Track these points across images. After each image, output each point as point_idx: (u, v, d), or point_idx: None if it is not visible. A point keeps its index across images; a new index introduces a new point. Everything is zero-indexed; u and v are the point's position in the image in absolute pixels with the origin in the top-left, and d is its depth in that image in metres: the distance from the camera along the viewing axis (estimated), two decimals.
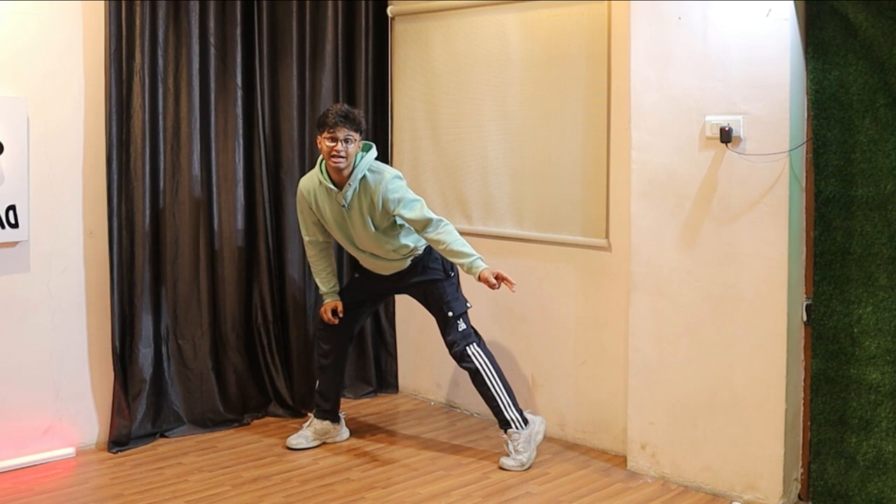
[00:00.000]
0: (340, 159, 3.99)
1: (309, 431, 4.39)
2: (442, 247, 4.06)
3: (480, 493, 3.90)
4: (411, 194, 4.12)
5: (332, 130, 3.99)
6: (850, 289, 3.60)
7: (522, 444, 4.18)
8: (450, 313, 4.24)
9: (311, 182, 4.20)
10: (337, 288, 4.40)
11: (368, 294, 4.44)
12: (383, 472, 4.13)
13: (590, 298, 4.42)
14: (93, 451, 4.31)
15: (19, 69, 4.05)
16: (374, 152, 4.16)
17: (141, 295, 4.38)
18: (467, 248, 4.05)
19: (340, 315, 4.35)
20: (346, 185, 4.06)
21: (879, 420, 3.54)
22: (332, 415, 4.44)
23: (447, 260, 4.21)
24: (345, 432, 4.51)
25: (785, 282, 3.65)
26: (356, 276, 4.47)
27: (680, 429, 3.97)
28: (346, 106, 4.09)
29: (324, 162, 4.12)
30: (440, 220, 4.08)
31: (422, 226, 4.06)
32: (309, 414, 4.54)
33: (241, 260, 4.74)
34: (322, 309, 4.38)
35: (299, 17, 4.89)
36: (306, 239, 4.36)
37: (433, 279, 4.27)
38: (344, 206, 4.10)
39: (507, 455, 4.19)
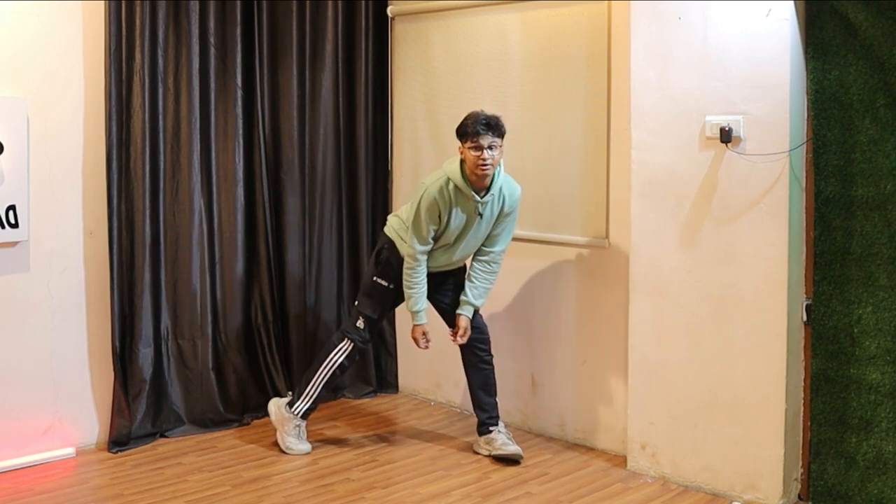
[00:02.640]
0: (488, 166, 3.99)
1: (304, 436, 4.38)
2: (483, 273, 4.24)
3: (480, 493, 3.90)
4: (517, 215, 4.25)
5: (475, 139, 3.97)
6: (850, 289, 3.60)
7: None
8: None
9: (447, 187, 4.08)
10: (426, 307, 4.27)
11: (394, 300, 4.40)
12: (383, 472, 4.13)
13: (590, 298, 4.42)
14: (93, 451, 4.31)
15: (19, 69, 4.05)
16: (502, 164, 4.20)
17: (141, 295, 4.38)
18: (484, 298, 4.27)
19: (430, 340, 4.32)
20: (489, 193, 4.08)
21: (879, 420, 3.54)
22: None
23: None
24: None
25: (785, 282, 3.65)
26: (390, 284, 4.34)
27: (680, 429, 3.97)
28: (486, 112, 4.07)
29: (462, 169, 4.06)
30: (500, 263, 4.27)
31: (497, 245, 4.22)
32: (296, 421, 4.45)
33: (241, 260, 4.74)
34: (416, 334, 4.22)
35: (299, 17, 4.89)
36: (420, 249, 4.14)
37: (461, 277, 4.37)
38: (480, 213, 4.12)
39: (505, 444, 4.24)
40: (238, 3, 4.63)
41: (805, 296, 3.75)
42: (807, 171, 3.70)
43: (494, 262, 4.25)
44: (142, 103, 4.32)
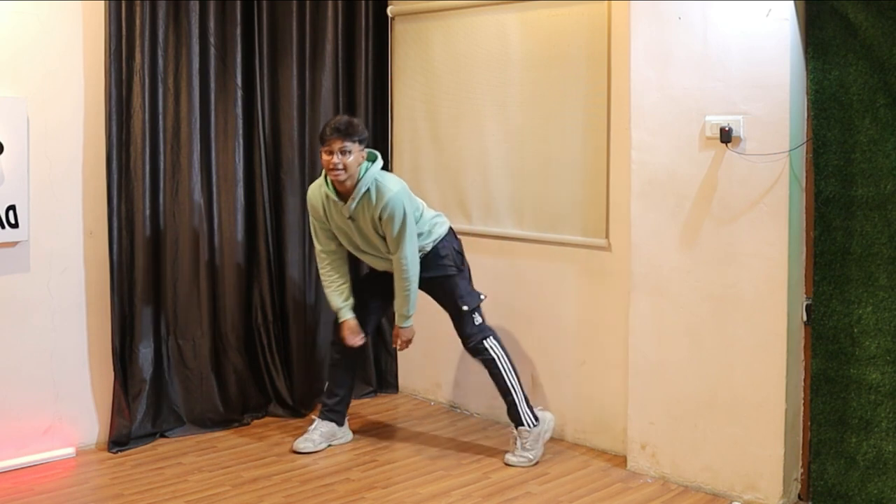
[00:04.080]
0: (339, 172, 3.97)
1: (315, 434, 4.38)
2: (396, 281, 4.17)
3: (480, 493, 3.90)
4: (402, 219, 4.04)
5: (327, 144, 3.98)
6: (850, 289, 3.60)
7: (531, 442, 4.22)
8: (465, 307, 4.25)
9: (319, 191, 4.17)
10: (351, 302, 4.27)
11: (378, 292, 4.39)
12: (383, 472, 4.13)
13: (590, 298, 4.42)
14: (93, 451, 4.31)
15: (19, 69, 4.05)
16: (379, 162, 4.12)
17: (141, 295, 4.38)
18: (410, 305, 4.18)
19: (362, 334, 4.31)
20: (350, 197, 4.04)
21: (879, 420, 3.54)
22: (338, 416, 4.43)
23: (458, 254, 4.31)
24: (349, 434, 4.51)
25: (785, 282, 3.65)
26: (364, 273, 4.41)
27: (680, 429, 3.97)
28: (345, 117, 4.07)
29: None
30: (406, 270, 4.11)
31: (396, 251, 4.10)
32: (312, 416, 4.52)
33: (241, 260, 4.74)
34: (341, 332, 4.28)
35: (299, 17, 4.89)
36: (318, 248, 4.27)
37: (446, 275, 4.27)
38: (349, 217, 4.09)
39: (513, 451, 4.21)
40: (238, 3, 4.63)
41: (805, 296, 3.75)
42: (807, 171, 3.70)
43: (399, 269, 4.13)
44: (142, 103, 4.32)
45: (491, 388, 4.34)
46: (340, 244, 4.27)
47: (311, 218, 4.27)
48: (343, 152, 3.95)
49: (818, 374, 3.69)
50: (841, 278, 3.62)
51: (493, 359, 4.24)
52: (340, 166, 3.96)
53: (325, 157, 3.99)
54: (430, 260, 4.24)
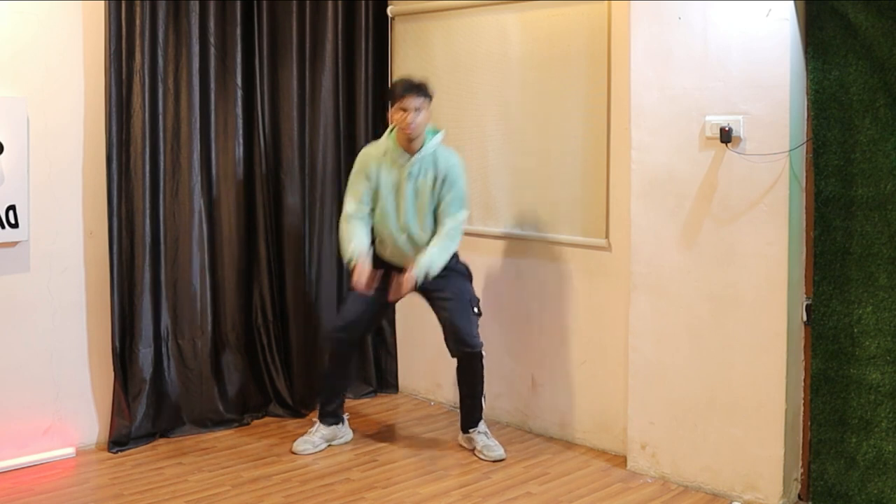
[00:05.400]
0: (414, 127, 4.09)
1: (316, 436, 4.38)
2: (436, 239, 4.18)
3: (480, 493, 3.90)
4: (462, 183, 4.23)
5: (401, 101, 4.10)
6: (850, 289, 3.60)
7: (488, 434, 4.37)
8: (475, 309, 4.31)
9: (377, 150, 4.26)
10: (371, 249, 4.24)
11: (376, 298, 4.32)
12: (383, 472, 4.13)
13: (590, 298, 4.41)
14: (93, 451, 4.31)
15: (19, 69, 4.05)
16: (442, 133, 4.27)
17: (141, 295, 4.38)
18: (443, 262, 4.16)
19: (374, 285, 4.21)
20: (417, 155, 4.15)
21: (879, 420, 3.54)
22: (337, 417, 4.44)
23: (466, 265, 4.39)
24: (349, 433, 4.51)
25: (785, 282, 3.65)
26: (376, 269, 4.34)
27: (680, 429, 3.97)
28: (413, 77, 4.23)
29: (394, 133, 4.19)
30: (458, 230, 4.20)
31: (447, 219, 4.18)
32: (313, 418, 4.53)
33: (241, 260, 4.74)
34: (356, 275, 4.13)
35: (299, 17, 4.89)
36: (351, 209, 4.24)
37: (459, 273, 4.32)
38: (410, 174, 4.17)
39: (487, 447, 4.27)
40: (238, 3, 4.63)
41: (805, 296, 3.75)
42: (807, 171, 3.70)
43: (452, 231, 4.17)
44: (142, 103, 4.32)
45: (490, 387, 4.36)
46: (372, 211, 4.26)
47: (353, 178, 4.28)
48: (417, 109, 4.09)
49: (818, 374, 3.70)
50: (841, 278, 3.62)
51: (482, 353, 4.25)
52: (414, 122, 4.08)
53: (398, 114, 4.10)
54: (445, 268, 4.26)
